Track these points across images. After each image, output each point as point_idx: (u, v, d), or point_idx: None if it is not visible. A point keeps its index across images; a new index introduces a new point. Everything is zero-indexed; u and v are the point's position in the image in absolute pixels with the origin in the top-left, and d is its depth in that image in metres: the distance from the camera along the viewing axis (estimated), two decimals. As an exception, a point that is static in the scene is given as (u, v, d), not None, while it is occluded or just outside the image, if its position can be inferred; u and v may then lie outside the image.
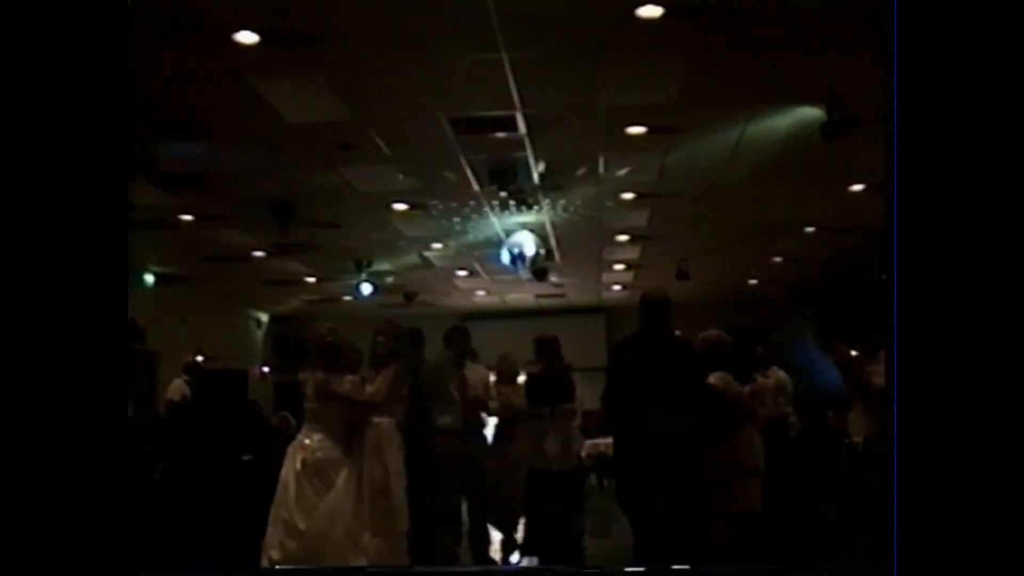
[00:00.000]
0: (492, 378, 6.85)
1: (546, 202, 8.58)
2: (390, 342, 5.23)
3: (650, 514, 4.76)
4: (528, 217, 8.96)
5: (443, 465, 6.12)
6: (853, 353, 6.91)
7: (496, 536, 6.77)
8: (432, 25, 4.85)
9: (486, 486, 6.42)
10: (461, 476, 6.20)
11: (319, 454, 4.67)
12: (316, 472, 4.63)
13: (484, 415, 6.61)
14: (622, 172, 7.77)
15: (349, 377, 4.85)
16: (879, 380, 6.69)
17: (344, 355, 4.95)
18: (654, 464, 4.72)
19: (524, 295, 14.06)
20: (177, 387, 10.06)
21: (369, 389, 4.89)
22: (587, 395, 6.85)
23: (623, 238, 10.37)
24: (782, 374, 7.90)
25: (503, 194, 7.85)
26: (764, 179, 7.90)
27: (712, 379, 4.99)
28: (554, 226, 9.57)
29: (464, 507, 6.49)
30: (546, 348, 6.40)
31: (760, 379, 6.08)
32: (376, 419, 4.94)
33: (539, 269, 10.18)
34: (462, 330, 6.66)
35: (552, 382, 6.22)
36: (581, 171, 7.67)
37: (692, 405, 4.79)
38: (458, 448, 6.19)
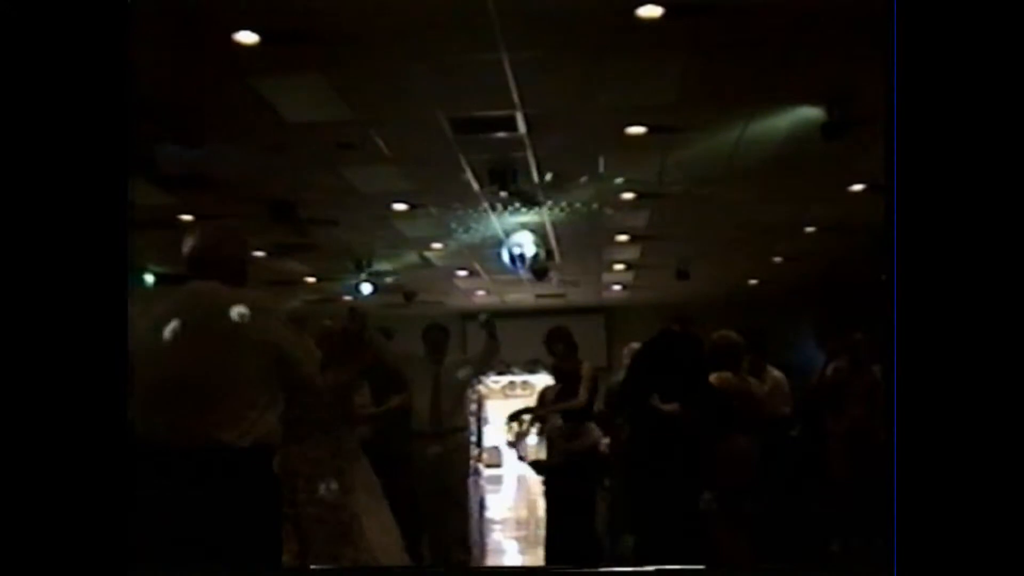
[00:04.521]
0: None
1: (546, 202, 8.58)
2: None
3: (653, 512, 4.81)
4: (528, 217, 8.97)
5: (416, 470, 5.99)
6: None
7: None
8: (432, 25, 4.85)
9: (462, 489, 6.26)
10: (434, 480, 6.02)
11: None
12: None
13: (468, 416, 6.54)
14: (621, 180, 7.78)
15: None
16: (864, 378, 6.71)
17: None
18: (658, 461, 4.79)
19: (524, 295, 14.06)
20: None
21: None
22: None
23: (623, 238, 10.36)
24: (778, 374, 7.88)
25: (503, 194, 7.85)
26: (764, 179, 7.90)
27: (712, 378, 5.01)
28: (554, 226, 9.57)
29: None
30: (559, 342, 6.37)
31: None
32: None
33: (539, 269, 10.18)
34: (440, 327, 6.48)
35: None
36: (583, 179, 7.68)
37: (694, 403, 4.86)
38: (429, 451, 6.04)
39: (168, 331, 2.96)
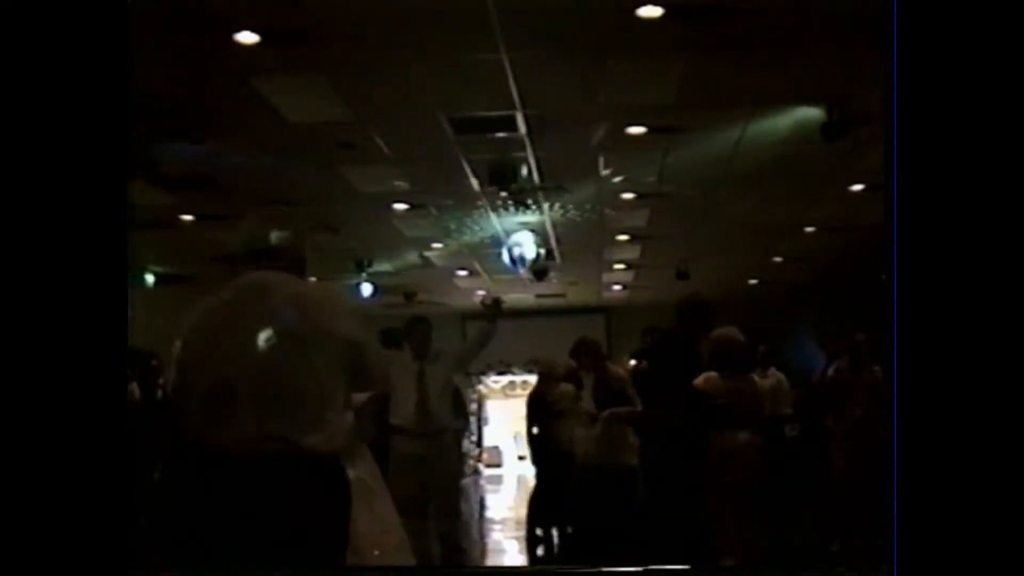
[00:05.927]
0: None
1: (546, 202, 8.58)
2: None
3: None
4: (528, 217, 8.97)
5: (395, 468, 5.59)
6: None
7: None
8: (432, 25, 4.85)
9: (445, 490, 5.97)
10: (413, 479, 5.64)
11: None
12: None
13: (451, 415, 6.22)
14: (616, 178, 7.78)
15: None
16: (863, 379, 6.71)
17: None
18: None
19: (524, 295, 14.08)
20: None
21: None
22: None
23: (623, 238, 10.37)
24: (780, 375, 7.87)
25: (503, 194, 7.85)
26: (764, 179, 7.90)
27: (697, 381, 5.00)
28: (554, 226, 9.58)
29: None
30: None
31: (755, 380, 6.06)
32: None
33: (539, 269, 10.19)
34: (422, 321, 6.14)
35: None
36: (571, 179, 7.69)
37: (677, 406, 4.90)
38: (413, 450, 5.76)
39: (237, 326, 2.71)
